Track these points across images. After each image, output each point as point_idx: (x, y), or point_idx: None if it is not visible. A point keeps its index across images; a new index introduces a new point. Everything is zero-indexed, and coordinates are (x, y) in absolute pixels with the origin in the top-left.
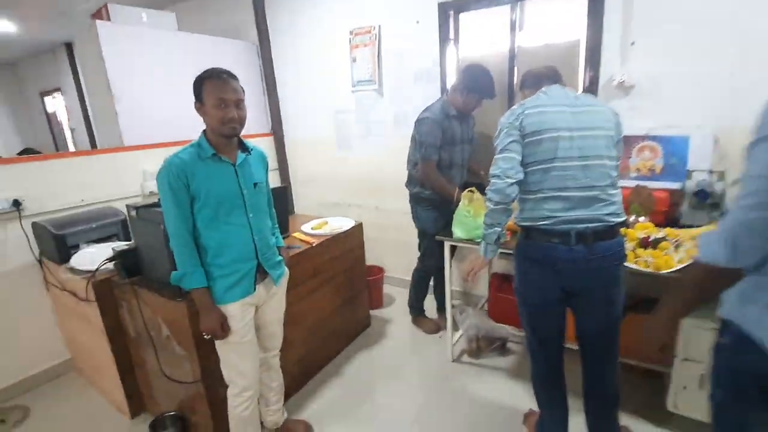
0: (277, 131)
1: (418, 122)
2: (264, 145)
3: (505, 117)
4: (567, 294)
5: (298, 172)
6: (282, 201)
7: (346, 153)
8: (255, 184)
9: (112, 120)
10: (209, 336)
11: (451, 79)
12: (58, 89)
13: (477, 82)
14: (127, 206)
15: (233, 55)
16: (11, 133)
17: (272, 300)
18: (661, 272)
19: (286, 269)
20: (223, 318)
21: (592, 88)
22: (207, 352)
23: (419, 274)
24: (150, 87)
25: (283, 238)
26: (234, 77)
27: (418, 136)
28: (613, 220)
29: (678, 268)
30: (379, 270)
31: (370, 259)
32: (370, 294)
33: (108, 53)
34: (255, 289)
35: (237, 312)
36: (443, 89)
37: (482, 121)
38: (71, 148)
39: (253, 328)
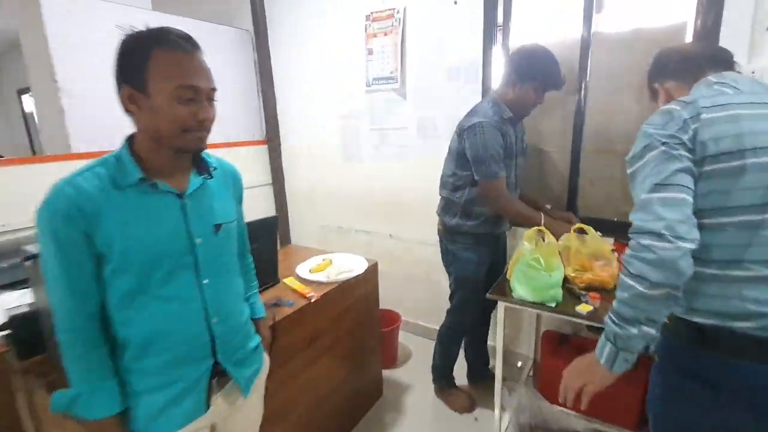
0: (272, 138)
1: (468, 130)
2: (256, 155)
3: (657, 124)
4: None
5: (296, 188)
6: (269, 238)
7: (355, 166)
8: (217, 227)
9: (57, 119)
10: None
11: (498, 76)
12: None
13: (537, 66)
14: (20, 251)
15: (222, 45)
16: None
17: (240, 413)
18: None
19: (266, 359)
20: None
21: None
22: None
23: (449, 333)
24: (110, 79)
25: (269, 288)
26: (200, 49)
27: (473, 149)
28: None
29: None
30: (395, 317)
31: (382, 301)
32: (383, 350)
33: (54, 33)
34: (208, 406)
35: None
36: (486, 91)
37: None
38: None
39: None
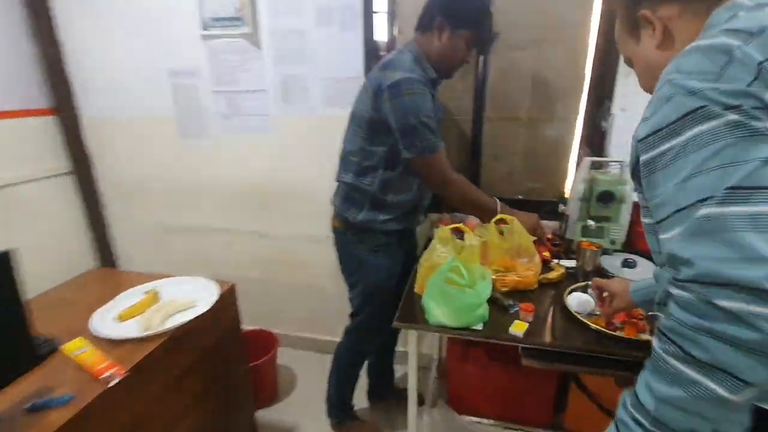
0: (63, 107)
1: (391, 90)
2: (39, 131)
3: (706, 72)
4: None
5: (114, 177)
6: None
7: (198, 144)
8: None
9: None
10: None
11: (382, 22)
12: None
13: (472, 10)
14: None
15: None
16: None
17: None
18: None
19: None
20: None
21: None
22: None
23: (350, 357)
24: None
25: (15, 379)
26: None
27: (399, 114)
28: None
29: None
30: (270, 341)
31: (253, 320)
32: (256, 388)
33: None
34: None
35: None
36: (370, 41)
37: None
38: None
39: None
